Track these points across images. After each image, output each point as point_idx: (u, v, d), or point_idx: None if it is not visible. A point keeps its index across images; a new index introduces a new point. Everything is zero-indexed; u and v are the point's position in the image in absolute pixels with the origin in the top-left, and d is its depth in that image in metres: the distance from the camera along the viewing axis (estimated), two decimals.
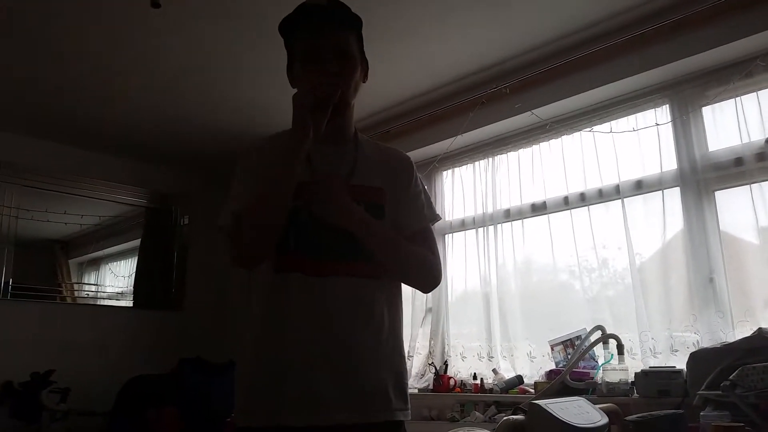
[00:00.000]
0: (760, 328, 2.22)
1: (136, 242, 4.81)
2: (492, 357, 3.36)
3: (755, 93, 2.67)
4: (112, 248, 4.74)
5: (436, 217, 1.59)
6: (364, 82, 1.55)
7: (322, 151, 1.47)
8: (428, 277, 1.55)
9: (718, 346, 2.32)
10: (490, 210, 3.56)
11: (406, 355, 3.54)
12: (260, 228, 1.36)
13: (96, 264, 4.66)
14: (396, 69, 3.35)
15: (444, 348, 3.62)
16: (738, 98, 2.70)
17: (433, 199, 3.82)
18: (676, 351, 2.67)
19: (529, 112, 3.30)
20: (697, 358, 2.33)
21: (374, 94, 3.63)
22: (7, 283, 4.07)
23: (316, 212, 1.38)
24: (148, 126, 4.13)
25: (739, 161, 2.65)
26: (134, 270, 4.72)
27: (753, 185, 2.58)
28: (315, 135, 1.36)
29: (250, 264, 1.42)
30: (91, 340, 4.25)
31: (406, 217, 1.53)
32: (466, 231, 3.70)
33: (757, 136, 2.62)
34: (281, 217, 1.35)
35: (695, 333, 2.63)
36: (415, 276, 1.55)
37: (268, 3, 2.74)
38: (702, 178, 2.77)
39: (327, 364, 1.36)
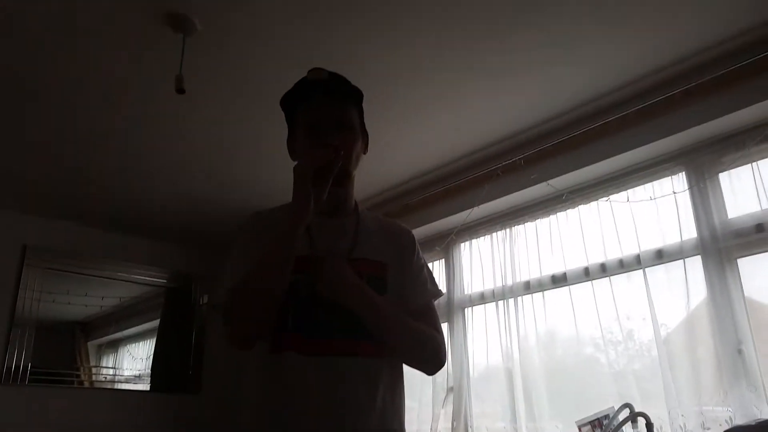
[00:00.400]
0: None
1: (155, 323, 4.81)
2: None
3: None
4: (131, 329, 4.73)
5: (439, 293, 1.56)
6: (364, 153, 1.56)
7: (322, 224, 1.46)
8: (434, 359, 1.49)
9: (753, 423, 2.18)
10: (509, 282, 3.49)
11: None
12: (256, 302, 1.31)
13: (114, 346, 4.65)
14: (410, 144, 3.39)
15: (467, 430, 3.47)
16: (755, 163, 2.65)
17: (450, 272, 3.84)
18: (708, 429, 2.51)
19: (545, 183, 3.29)
20: None
21: (390, 169, 3.67)
22: (26, 368, 4.06)
23: (322, 293, 1.35)
24: (169, 206, 4.21)
25: (760, 227, 2.58)
26: (152, 352, 4.69)
27: None
28: (315, 206, 1.34)
29: (245, 344, 1.37)
30: (108, 425, 4.21)
31: (410, 293, 1.50)
32: (486, 304, 3.62)
33: None
34: (279, 291, 1.31)
35: (727, 408, 2.49)
36: (421, 357, 1.49)
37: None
38: (723, 246, 2.69)
39: None
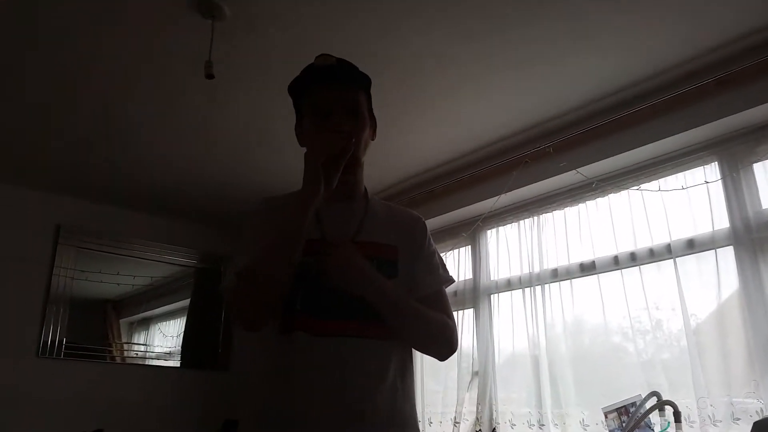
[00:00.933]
0: None
1: (186, 302, 4.90)
2: (543, 425, 3.23)
3: None
4: (161, 308, 4.83)
5: (450, 280, 1.55)
6: (372, 140, 1.55)
7: (331, 208, 1.47)
8: (446, 345, 1.49)
9: None
10: (536, 269, 3.49)
11: (453, 420, 3.44)
12: (263, 286, 1.30)
13: (146, 324, 4.74)
14: (437, 131, 3.39)
15: (492, 414, 3.48)
16: None
17: (477, 258, 3.85)
18: (738, 419, 2.51)
19: (574, 171, 3.27)
20: (761, 427, 2.18)
21: (416, 156, 3.67)
22: (61, 342, 4.18)
23: (330, 279, 1.34)
24: (199, 189, 4.27)
25: None
26: (182, 330, 4.78)
27: None
28: (326, 191, 1.35)
29: (253, 327, 1.36)
30: (139, 400, 4.30)
31: (421, 279, 1.49)
32: (513, 291, 3.63)
33: None
34: (287, 274, 1.31)
35: (758, 400, 2.48)
36: (433, 344, 1.49)
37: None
38: (756, 236, 2.67)
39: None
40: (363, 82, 1.50)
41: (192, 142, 3.60)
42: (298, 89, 1.51)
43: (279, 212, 1.39)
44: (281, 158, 3.72)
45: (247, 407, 1.42)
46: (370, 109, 1.54)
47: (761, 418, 2.33)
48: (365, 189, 1.57)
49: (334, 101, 1.43)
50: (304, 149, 1.43)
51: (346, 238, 1.43)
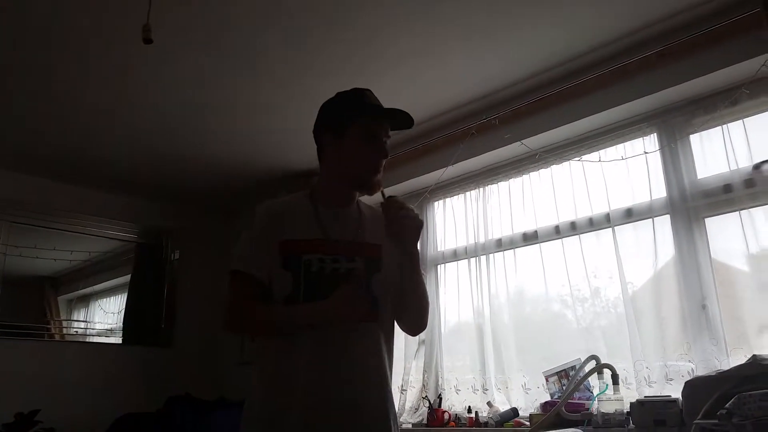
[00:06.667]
0: (754, 355, 2.20)
1: (126, 278, 4.77)
2: (486, 389, 3.31)
3: (741, 120, 2.68)
4: (101, 284, 4.70)
5: (424, 271, 1.81)
6: None
7: (331, 214, 1.67)
8: (427, 318, 1.75)
9: (713, 374, 2.29)
10: (482, 240, 3.55)
11: (400, 388, 3.55)
12: (258, 332, 1.65)
13: (85, 301, 4.62)
14: (385, 101, 3.35)
15: (438, 381, 3.56)
16: (725, 126, 2.71)
17: (425, 230, 3.87)
18: (671, 380, 2.63)
19: (518, 143, 3.32)
20: (692, 386, 2.30)
21: None
22: None
23: (352, 320, 1.54)
24: (138, 161, 4.14)
25: (728, 188, 2.65)
26: (124, 306, 4.67)
27: (742, 212, 2.58)
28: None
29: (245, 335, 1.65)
30: (80, 378, 4.18)
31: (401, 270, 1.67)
32: (459, 261, 3.68)
33: (744, 163, 2.63)
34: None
35: (690, 361, 2.60)
36: (426, 313, 1.73)
37: (258, 37, 2.79)
38: (692, 205, 2.77)
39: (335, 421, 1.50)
40: (400, 126, 1.74)
41: (131, 110, 3.46)
42: (351, 114, 1.68)
43: (277, 220, 1.63)
44: (227, 127, 3.64)
45: (254, 396, 1.60)
46: None
47: (692, 377, 2.43)
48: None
49: (382, 133, 1.71)
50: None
51: (347, 240, 1.64)
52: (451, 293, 3.68)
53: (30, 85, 3.15)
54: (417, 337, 3.68)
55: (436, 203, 3.93)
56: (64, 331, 4.45)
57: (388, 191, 1.71)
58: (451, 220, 3.81)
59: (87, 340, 4.49)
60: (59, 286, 4.49)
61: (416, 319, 1.74)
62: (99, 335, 4.54)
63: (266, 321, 1.59)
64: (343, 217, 1.68)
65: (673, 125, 2.92)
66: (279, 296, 1.58)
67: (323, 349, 1.53)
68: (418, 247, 1.68)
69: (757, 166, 2.59)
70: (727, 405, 1.97)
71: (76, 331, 4.48)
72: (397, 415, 3.48)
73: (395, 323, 1.73)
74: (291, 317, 1.56)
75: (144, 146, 3.93)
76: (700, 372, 2.49)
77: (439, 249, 3.81)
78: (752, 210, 2.57)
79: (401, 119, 1.70)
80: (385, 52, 2.92)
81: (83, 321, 4.54)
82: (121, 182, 4.48)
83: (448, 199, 3.86)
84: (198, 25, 2.70)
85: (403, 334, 3.54)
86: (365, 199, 1.78)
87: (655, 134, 2.98)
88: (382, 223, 1.64)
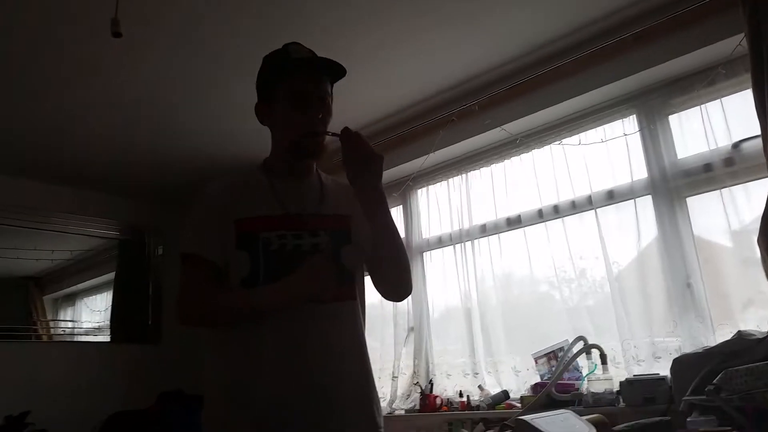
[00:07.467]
0: (739, 331, 2.25)
1: (111, 275, 4.73)
2: (477, 373, 3.35)
3: (719, 100, 2.72)
4: (87, 282, 4.65)
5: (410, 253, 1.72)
6: None
7: (288, 186, 1.55)
8: (410, 280, 1.62)
9: (701, 350, 2.34)
10: (466, 226, 3.58)
11: (391, 375, 3.54)
12: (212, 322, 1.50)
13: (72, 299, 4.57)
14: (364, 90, 3.36)
15: (428, 367, 3.59)
16: (703, 106, 2.75)
17: (408, 218, 3.90)
18: (659, 358, 2.69)
19: (499, 128, 3.34)
20: (680, 363, 2.35)
21: (343, 118, 3.60)
22: None
23: (324, 299, 1.43)
24: (117, 158, 4.09)
25: (708, 167, 2.70)
26: (110, 304, 4.64)
27: (723, 190, 2.63)
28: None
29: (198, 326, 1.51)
30: (69, 378, 4.17)
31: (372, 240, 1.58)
32: (444, 248, 3.71)
33: (723, 142, 2.67)
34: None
35: (677, 339, 2.66)
36: (407, 274, 1.61)
37: (229, 37, 2.76)
38: (673, 185, 2.82)
39: (303, 405, 1.39)
40: (341, 75, 1.56)
41: (107, 108, 3.42)
42: (274, 73, 1.55)
43: (229, 196, 1.51)
44: (203, 123, 3.62)
45: (216, 381, 1.48)
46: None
47: (679, 354, 2.49)
48: (315, 165, 1.65)
49: (312, 91, 1.52)
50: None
51: (307, 212, 1.52)
52: (438, 279, 3.70)
53: (2, 83, 3.10)
54: (407, 323, 3.71)
55: (419, 191, 3.94)
56: (52, 331, 4.41)
57: None
58: (435, 207, 3.83)
59: (75, 339, 4.45)
60: (44, 285, 4.44)
61: (398, 275, 1.58)
62: (87, 334, 4.50)
63: (226, 308, 1.44)
64: (302, 190, 1.56)
65: (652, 106, 2.96)
66: (236, 280, 1.44)
67: (290, 335, 1.40)
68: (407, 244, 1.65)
69: (735, 145, 2.63)
70: (714, 381, 2.02)
71: (64, 331, 4.44)
72: (390, 402, 3.55)
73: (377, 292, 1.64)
74: (254, 300, 1.41)
75: (119, 143, 3.88)
76: (687, 349, 2.54)
77: (423, 236, 3.83)
78: (733, 188, 2.61)
79: (330, 67, 1.53)
80: (362, 41, 2.91)
81: (70, 321, 4.49)
82: (98, 179, 4.43)
83: (431, 187, 3.87)
84: (170, 21, 2.68)
85: (392, 321, 3.67)
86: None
87: (635, 116, 3.01)
88: (349, 193, 1.53)
